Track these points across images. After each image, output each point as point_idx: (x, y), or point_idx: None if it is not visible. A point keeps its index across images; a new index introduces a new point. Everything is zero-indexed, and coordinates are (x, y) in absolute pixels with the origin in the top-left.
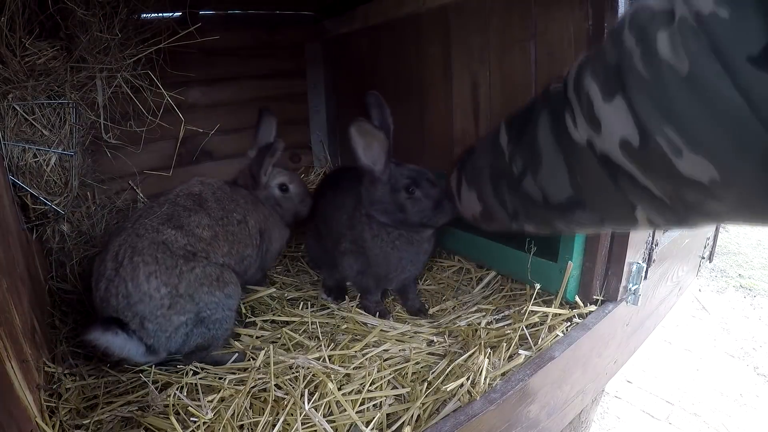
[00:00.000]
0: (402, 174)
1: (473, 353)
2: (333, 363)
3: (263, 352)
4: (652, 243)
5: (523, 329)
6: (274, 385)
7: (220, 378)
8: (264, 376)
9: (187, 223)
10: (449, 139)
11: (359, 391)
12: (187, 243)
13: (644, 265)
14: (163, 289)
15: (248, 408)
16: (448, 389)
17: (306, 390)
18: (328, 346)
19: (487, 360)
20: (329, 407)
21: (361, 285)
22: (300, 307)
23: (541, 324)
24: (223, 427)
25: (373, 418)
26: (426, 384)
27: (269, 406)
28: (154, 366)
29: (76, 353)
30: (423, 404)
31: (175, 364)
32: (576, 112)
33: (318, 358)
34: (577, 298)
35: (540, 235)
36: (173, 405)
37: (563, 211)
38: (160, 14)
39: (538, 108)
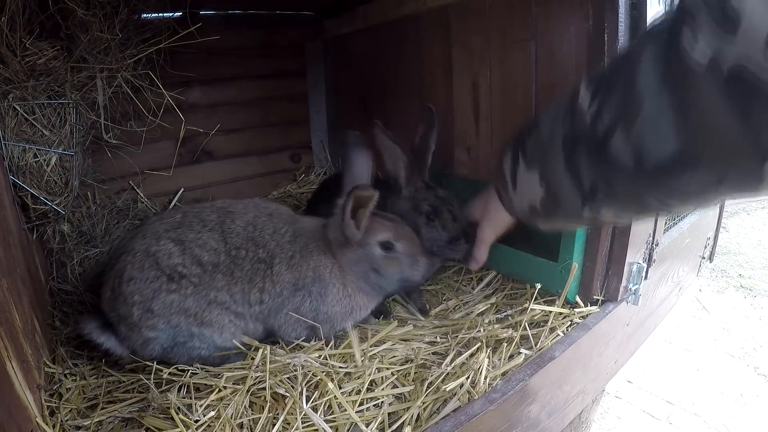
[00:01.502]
0: (426, 198)
1: (473, 353)
2: (333, 362)
3: (261, 351)
4: (652, 243)
5: (525, 328)
6: (275, 383)
7: (218, 376)
8: (263, 374)
9: (191, 239)
10: (449, 139)
11: (359, 391)
12: (181, 263)
13: (645, 265)
14: (137, 297)
15: (248, 407)
16: (448, 389)
17: (306, 389)
18: (329, 346)
19: (487, 360)
20: (329, 406)
21: None
22: None
23: (542, 324)
24: (221, 425)
25: (374, 417)
26: (426, 384)
27: (268, 405)
28: (155, 363)
29: (76, 353)
30: (423, 404)
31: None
32: (699, 21)
33: (318, 357)
34: (578, 298)
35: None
36: (174, 404)
37: (664, 176)
38: (161, 14)
39: (638, 49)
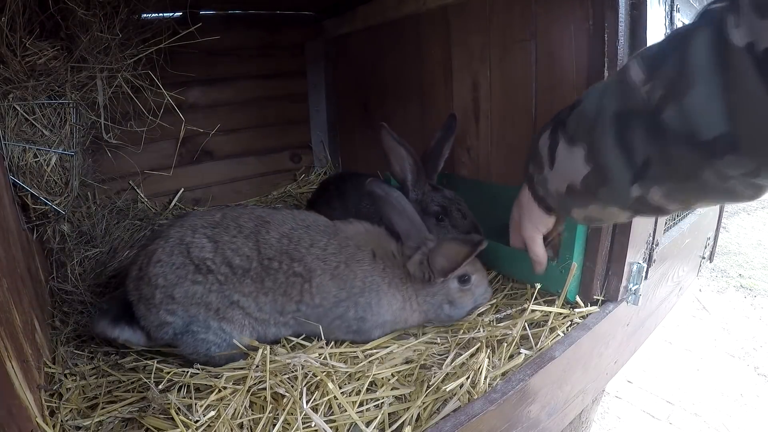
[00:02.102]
0: (434, 200)
1: (473, 353)
2: (334, 362)
3: (260, 350)
4: (652, 243)
5: (525, 328)
6: (275, 383)
7: (218, 376)
8: (263, 374)
9: (225, 241)
10: None
11: (359, 391)
12: (211, 259)
13: (645, 265)
14: (161, 281)
15: (248, 407)
16: (448, 389)
17: (306, 389)
18: (329, 345)
19: (487, 360)
20: (329, 406)
21: None
22: None
23: (542, 324)
24: (221, 425)
25: (374, 417)
26: (426, 384)
27: (268, 405)
28: (155, 362)
29: (76, 354)
30: (423, 404)
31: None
32: (742, 7)
33: (318, 357)
34: (578, 298)
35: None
36: (174, 404)
37: (712, 155)
38: (161, 14)
39: (691, 28)
